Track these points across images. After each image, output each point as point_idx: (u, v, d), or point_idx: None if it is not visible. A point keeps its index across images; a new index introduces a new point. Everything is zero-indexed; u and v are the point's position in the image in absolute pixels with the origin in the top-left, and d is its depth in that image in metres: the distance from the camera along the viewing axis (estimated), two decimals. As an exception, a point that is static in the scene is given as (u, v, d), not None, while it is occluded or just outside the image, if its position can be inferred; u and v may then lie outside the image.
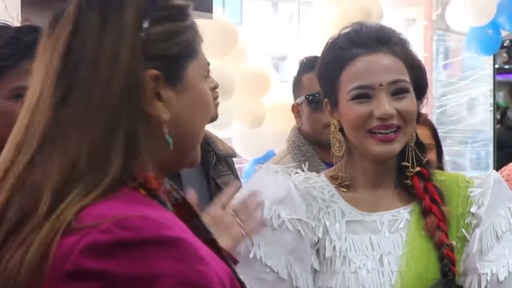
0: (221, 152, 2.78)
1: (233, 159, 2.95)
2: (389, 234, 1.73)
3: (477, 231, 1.72)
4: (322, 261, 1.71)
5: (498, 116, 7.76)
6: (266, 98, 4.48)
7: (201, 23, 3.74)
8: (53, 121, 1.04)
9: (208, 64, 1.21)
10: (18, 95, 1.67)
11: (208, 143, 2.77)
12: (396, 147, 1.71)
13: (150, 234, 0.94)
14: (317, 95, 2.86)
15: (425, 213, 1.74)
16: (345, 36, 1.76)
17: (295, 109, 2.99)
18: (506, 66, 8.40)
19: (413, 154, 1.76)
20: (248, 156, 4.63)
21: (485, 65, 7.71)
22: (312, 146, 2.88)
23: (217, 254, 1.10)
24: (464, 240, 1.74)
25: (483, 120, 7.92)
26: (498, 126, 7.68)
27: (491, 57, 7.25)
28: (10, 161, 1.04)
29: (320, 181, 1.79)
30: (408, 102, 1.72)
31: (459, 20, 5.97)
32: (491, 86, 7.60)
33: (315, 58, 3.00)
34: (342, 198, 1.77)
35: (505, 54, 8.22)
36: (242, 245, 1.64)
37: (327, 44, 1.79)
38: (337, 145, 1.78)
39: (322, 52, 1.80)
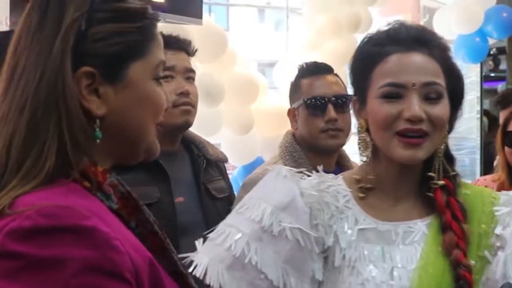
0: (211, 157, 2.77)
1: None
2: (403, 246, 1.65)
3: (501, 254, 1.62)
4: (330, 269, 1.65)
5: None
6: (255, 104, 4.47)
7: (190, 29, 3.71)
8: None
9: (163, 64, 1.30)
10: None
11: (198, 148, 2.76)
12: (421, 153, 1.62)
13: (65, 222, 1.05)
14: (314, 99, 2.87)
15: (444, 229, 1.64)
16: (383, 32, 1.69)
17: (291, 113, 2.98)
18: (492, 74, 8.45)
19: (441, 165, 1.67)
20: (236, 163, 4.62)
21: (471, 73, 7.74)
22: (305, 152, 2.87)
23: (160, 245, 1.24)
24: (485, 261, 1.64)
25: (468, 128, 7.94)
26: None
27: (478, 65, 7.28)
28: None
29: (335, 185, 1.72)
30: (440, 108, 1.63)
31: (447, 28, 6.00)
32: (478, 94, 7.63)
33: (313, 63, 3.03)
34: (357, 204, 1.70)
35: (491, 62, 8.28)
36: (238, 248, 1.62)
37: (363, 39, 1.72)
38: (363, 146, 1.71)
39: (357, 47, 1.73)
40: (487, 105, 8.19)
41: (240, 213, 1.69)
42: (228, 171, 3.10)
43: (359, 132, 1.71)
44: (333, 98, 2.86)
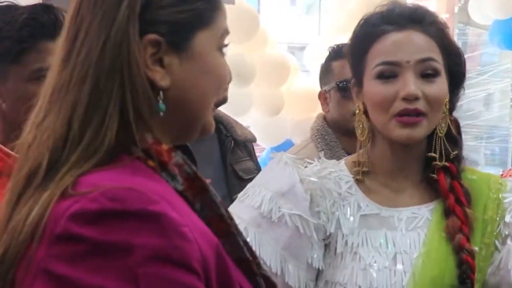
0: (239, 137, 2.76)
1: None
2: (406, 232, 1.63)
3: (511, 243, 1.61)
4: (332, 256, 1.64)
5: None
6: (286, 86, 4.45)
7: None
8: (56, 84, 1.10)
9: (227, 33, 1.21)
10: (39, 76, 1.63)
11: (226, 128, 2.75)
12: (420, 132, 1.60)
13: (133, 206, 0.98)
14: (346, 82, 2.84)
15: (447, 213, 1.63)
16: (377, 13, 1.67)
17: (322, 96, 2.96)
18: (527, 62, 8.34)
19: (442, 146, 1.64)
20: (266, 144, 4.62)
21: (505, 60, 7.65)
22: (337, 135, 2.85)
23: (225, 229, 1.14)
24: (493, 248, 1.62)
25: (500, 116, 7.88)
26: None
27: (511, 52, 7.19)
28: (32, 121, 1.11)
29: (338, 171, 1.70)
30: (437, 86, 1.61)
31: (482, 13, 5.92)
32: (511, 82, 7.54)
33: (345, 46, 2.99)
34: (360, 190, 1.68)
35: (526, 50, 8.16)
36: None
37: (359, 22, 1.71)
38: (360, 129, 1.70)
39: (354, 30, 1.72)
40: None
41: (241, 201, 1.68)
42: (257, 153, 3.09)
43: (357, 115, 1.71)
44: None
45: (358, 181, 1.70)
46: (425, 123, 1.60)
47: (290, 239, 1.61)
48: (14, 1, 1.84)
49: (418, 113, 1.58)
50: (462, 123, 1.73)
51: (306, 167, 1.70)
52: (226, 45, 1.21)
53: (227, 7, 3.91)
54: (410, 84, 1.57)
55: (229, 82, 1.25)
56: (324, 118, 2.95)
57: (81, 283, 0.95)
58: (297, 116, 4.43)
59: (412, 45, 1.61)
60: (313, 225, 1.63)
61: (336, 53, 2.97)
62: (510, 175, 3.18)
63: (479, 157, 8.13)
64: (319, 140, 2.86)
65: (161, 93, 1.11)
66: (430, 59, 1.61)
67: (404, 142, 1.62)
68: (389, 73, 1.60)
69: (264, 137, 4.37)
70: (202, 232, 1.06)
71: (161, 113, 1.11)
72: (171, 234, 0.99)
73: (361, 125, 1.70)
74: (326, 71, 2.99)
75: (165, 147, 1.11)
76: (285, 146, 4.19)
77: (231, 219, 1.18)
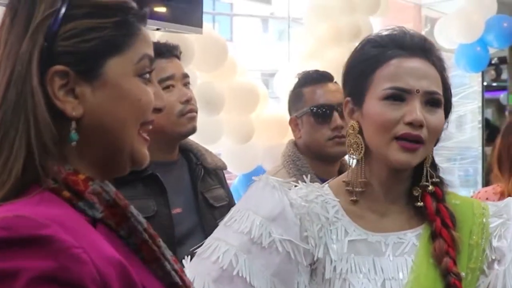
0: (210, 165, 2.76)
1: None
2: (393, 258, 1.64)
3: (499, 268, 1.62)
4: (320, 282, 1.62)
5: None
6: (255, 113, 4.48)
7: (191, 38, 3.73)
8: None
9: (149, 58, 1.21)
10: None
11: (196, 156, 2.76)
12: (417, 158, 1.61)
13: (20, 232, 1.00)
14: (319, 107, 2.88)
15: (434, 236, 1.64)
16: (386, 36, 1.68)
17: (293, 122, 2.99)
18: (494, 84, 8.46)
19: (428, 173, 1.67)
20: (237, 172, 4.62)
21: (473, 83, 7.74)
22: (309, 160, 2.88)
23: (153, 255, 1.17)
24: (478, 273, 1.63)
25: (471, 137, 7.94)
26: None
27: (479, 74, 7.30)
28: None
29: (323, 194, 1.69)
30: (438, 117, 1.63)
31: (448, 37, 6.01)
32: (480, 104, 7.64)
33: (315, 72, 3.05)
34: (346, 214, 1.67)
35: (493, 72, 8.28)
36: (226, 260, 1.58)
37: (363, 41, 1.70)
38: (354, 148, 1.68)
39: (355, 49, 1.70)
40: (488, 115, 8.19)
41: (228, 226, 1.65)
42: (229, 180, 3.10)
43: (350, 134, 1.68)
44: (338, 106, 2.86)
45: (344, 205, 1.68)
46: (422, 151, 1.61)
47: (280, 265, 1.60)
48: None
49: (418, 140, 1.59)
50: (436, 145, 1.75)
51: (290, 189, 1.68)
52: (149, 71, 1.20)
53: (197, 37, 3.94)
54: (418, 110, 1.59)
55: (161, 108, 1.25)
56: (295, 144, 2.98)
57: None
58: (267, 143, 4.45)
59: (423, 75, 1.62)
60: (303, 250, 1.61)
61: (307, 79, 3.01)
62: (479, 198, 3.22)
63: (454, 178, 8.19)
64: (290, 166, 2.89)
65: (73, 123, 1.12)
66: (436, 92, 1.63)
67: (400, 167, 1.63)
68: (398, 97, 1.61)
69: (235, 165, 4.38)
70: (103, 254, 1.06)
71: (73, 143, 1.12)
72: (60, 256, 1.00)
73: (354, 145, 1.68)
74: (296, 97, 3.02)
75: (81, 176, 1.12)
76: (256, 172, 4.20)
77: (158, 246, 1.20)
